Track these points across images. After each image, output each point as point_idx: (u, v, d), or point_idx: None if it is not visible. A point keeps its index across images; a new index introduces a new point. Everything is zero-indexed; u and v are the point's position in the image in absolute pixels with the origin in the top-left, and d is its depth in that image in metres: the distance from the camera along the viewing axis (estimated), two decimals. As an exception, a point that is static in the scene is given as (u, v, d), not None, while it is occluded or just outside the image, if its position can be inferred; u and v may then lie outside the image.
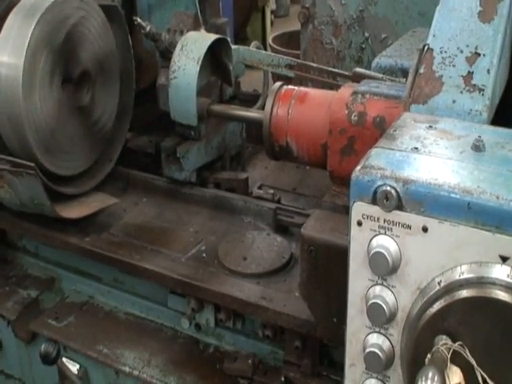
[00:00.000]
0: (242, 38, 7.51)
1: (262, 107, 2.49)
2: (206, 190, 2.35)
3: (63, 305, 2.27)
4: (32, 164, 2.03)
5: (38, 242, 2.33)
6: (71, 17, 2.15)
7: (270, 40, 6.45)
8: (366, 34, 2.93)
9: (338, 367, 1.70)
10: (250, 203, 2.24)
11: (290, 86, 1.99)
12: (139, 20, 2.27)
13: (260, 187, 2.48)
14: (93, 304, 2.25)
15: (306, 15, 3.12)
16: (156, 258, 2.02)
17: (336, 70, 2.33)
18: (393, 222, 1.19)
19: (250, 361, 1.85)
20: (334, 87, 2.11)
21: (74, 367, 2.05)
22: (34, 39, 2.05)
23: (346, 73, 2.21)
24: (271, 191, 2.41)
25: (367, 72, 2.09)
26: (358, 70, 2.12)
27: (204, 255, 2.04)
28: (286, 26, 9.07)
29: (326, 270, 1.55)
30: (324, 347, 1.73)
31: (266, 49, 6.59)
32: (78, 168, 2.32)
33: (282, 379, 1.80)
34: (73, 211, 2.16)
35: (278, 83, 2.01)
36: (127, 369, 1.97)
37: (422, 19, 2.70)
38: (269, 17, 8.80)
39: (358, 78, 2.02)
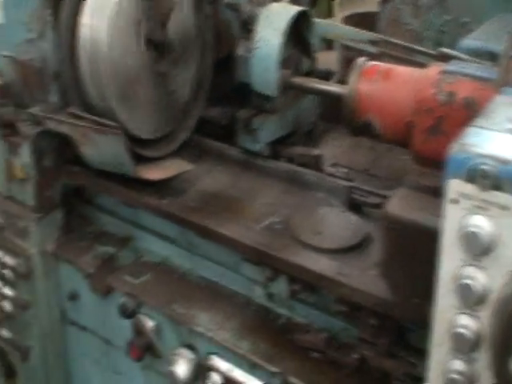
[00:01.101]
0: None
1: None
2: (279, 164, 2.36)
3: (139, 263, 2.33)
4: (116, 124, 2.09)
5: (117, 200, 2.38)
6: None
7: (339, 20, 6.38)
8: (447, 17, 2.88)
9: (414, 350, 1.71)
10: (323, 179, 2.24)
11: (374, 62, 1.98)
12: (221, -11, 2.29)
13: (332, 165, 2.48)
14: (167, 265, 2.29)
15: (386, -6, 3.09)
16: (231, 225, 2.04)
17: (421, 48, 2.30)
18: (489, 201, 1.18)
19: (322, 335, 1.86)
20: (417, 66, 2.09)
21: (148, 323, 2.10)
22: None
23: (432, 52, 2.18)
24: (344, 170, 2.41)
25: (453, 52, 2.06)
26: (444, 49, 2.09)
27: (277, 227, 2.06)
28: (354, 6, 8.98)
29: (410, 249, 1.54)
30: (400, 328, 1.73)
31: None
32: (157, 132, 2.37)
33: (355, 356, 1.80)
34: (151, 173, 2.21)
35: (363, 58, 2.00)
36: (201, 329, 2.00)
37: (507, 5, 2.64)
38: (336, -4, 8.71)
39: (442, 58, 2.00)
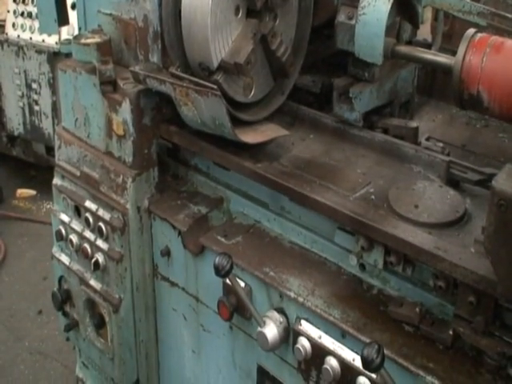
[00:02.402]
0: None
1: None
2: (375, 134, 2.33)
3: (231, 225, 2.36)
4: (216, 86, 2.10)
5: (213, 161, 2.41)
6: None
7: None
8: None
9: (510, 330, 1.68)
10: (421, 153, 2.20)
11: (484, 34, 1.91)
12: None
13: (428, 139, 2.43)
14: (259, 228, 2.32)
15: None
16: (326, 193, 2.04)
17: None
18: None
19: (417, 308, 1.84)
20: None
21: (240, 284, 2.13)
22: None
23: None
24: (440, 144, 2.36)
25: None
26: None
27: (373, 197, 2.04)
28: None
29: (517, 226, 1.50)
30: (497, 307, 1.70)
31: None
32: (254, 96, 2.38)
33: (450, 333, 1.77)
34: (248, 136, 2.22)
35: (472, 30, 1.94)
36: (292, 294, 2.02)
37: None
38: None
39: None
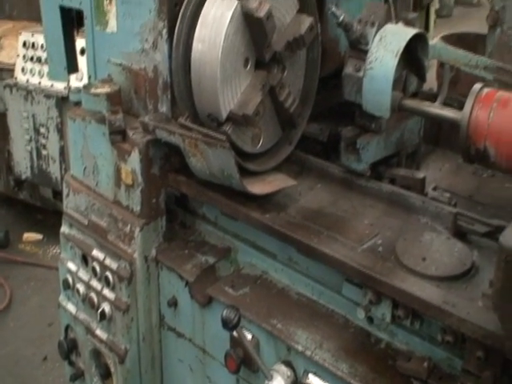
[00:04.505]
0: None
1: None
2: (382, 185, 2.34)
3: (239, 275, 2.36)
4: (224, 137, 2.12)
5: (221, 211, 2.42)
6: (269, 0, 2.18)
7: (436, 39, 6.29)
8: (557, 44, 2.80)
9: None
10: (428, 204, 2.21)
11: (491, 89, 1.94)
12: (334, 9, 2.29)
13: (435, 189, 2.44)
14: (266, 279, 2.31)
15: (495, 19, 3.03)
16: (333, 244, 2.04)
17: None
18: None
19: (425, 363, 1.83)
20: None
21: (247, 336, 2.12)
22: (234, 21, 2.13)
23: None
24: (447, 194, 2.37)
25: None
26: None
27: (380, 249, 2.04)
28: (448, 26, 8.83)
29: (525, 282, 1.50)
30: (506, 363, 1.68)
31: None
32: (262, 146, 2.40)
33: (459, 387, 1.76)
34: (256, 187, 2.23)
35: (479, 85, 1.97)
36: (300, 347, 2.00)
37: None
38: (433, 16, 8.60)
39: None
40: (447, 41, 6.16)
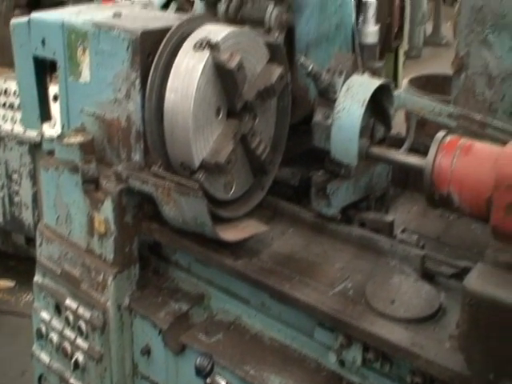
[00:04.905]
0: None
1: (408, 151, 2.55)
2: (352, 229, 2.40)
3: (212, 321, 2.38)
4: (197, 186, 2.16)
5: (192, 258, 2.44)
6: (240, 51, 2.26)
7: (405, 81, 6.42)
8: (521, 88, 2.89)
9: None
10: (396, 247, 2.27)
11: (454, 136, 2.01)
12: (303, 59, 2.36)
13: (403, 231, 2.50)
14: (240, 324, 2.33)
15: (460, 64, 3.13)
16: (305, 289, 2.08)
17: (499, 125, 2.32)
18: None
19: (396, 404, 1.87)
20: (494, 141, 2.12)
21: (221, 383, 2.13)
22: (206, 72, 2.19)
23: (511, 129, 2.21)
24: (415, 236, 2.42)
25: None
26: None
27: (351, 293, 2.09)
28: (417, 67, 9.04)
29: (488, 325, 1.55)
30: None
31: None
32: (235, 193, 2.44)
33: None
34: (228, 234, 2.27)
35: (442, 132, 2.04)
36: (274, 393, 2.03)
37: None
38: (402, 58, 8.78)
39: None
40: (416, 83, 6.33)
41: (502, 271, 1.65)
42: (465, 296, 1.60)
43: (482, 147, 1.95)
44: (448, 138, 1.99)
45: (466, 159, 1.92)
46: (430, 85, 5.60)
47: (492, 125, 2.33)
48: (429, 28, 12.42)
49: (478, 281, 1.62)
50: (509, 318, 1.35)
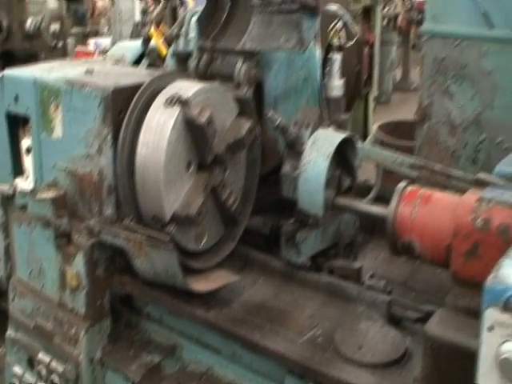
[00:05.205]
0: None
1: (375, 199, 2.63)
2: (321, 276, 2.45)
3: (184, 372, 2.39)
4: (168, 238, 2.20)
5: (165, 310, 2.47)
6: (210, 106, 2.33)
7: (374, 127, 6.57)
8: (483, 136, 2.99)
9: None
10: (364, 293, 2.32)
11: (414, 187, 2.10)
12: (271, 113, 2.45)
13: (371, 276, 2.56)
14: (212, 375, 2.35)
15: (423, 114, 3.24)
16: (275, 338, 2.12)
17: (459, 174, 2.41)
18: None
19: None
20: (454, 190, 2.20)
21: None
22: (177, 128, 2.25)
23: (469, 177, 2.29)
24: (383, 282, 2.48)
25: (490, 178, 2.16)
26: (482, 176, 2.19)
27: (320, 340, 2.13)
28: (386, 112, 9.23)
29: (449, 369, 1.61)
30: None
31: (366, 135, 6.75)
32: (206, 244, 2.48)
33: None
34: (199, 285, 2.30)
35: (403, 183, 2.12)
36: None
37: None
38: (372, 103, 8.96)
39: (480, 184, 2.10)
40: (385, 128, 6.47)
41: (462, 316, 1.71)
42: (426, 341, 1.66)
43: (442, 197, 2.03)
44: (409, 189, 2.07)
45: (425, 209, 2.00)
46: (397, 130, 5.75)
47: (451, 175, 2.42)
48: (398, 74, 12.70)
49: (438, 326, 1.68)
50: (468, 361, 1.41)
